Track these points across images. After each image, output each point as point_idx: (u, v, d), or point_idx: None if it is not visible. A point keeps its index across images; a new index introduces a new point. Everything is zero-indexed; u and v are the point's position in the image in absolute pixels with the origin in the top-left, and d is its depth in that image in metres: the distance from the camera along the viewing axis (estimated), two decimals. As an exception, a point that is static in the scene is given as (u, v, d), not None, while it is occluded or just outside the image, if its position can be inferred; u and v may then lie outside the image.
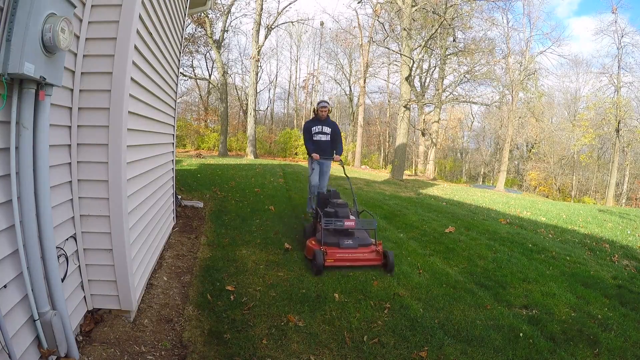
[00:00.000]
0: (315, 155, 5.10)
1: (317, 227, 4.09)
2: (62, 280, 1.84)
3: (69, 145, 2.02)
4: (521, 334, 2.56)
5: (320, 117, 5.37)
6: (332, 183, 9.25)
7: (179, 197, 5.71)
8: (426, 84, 27.01)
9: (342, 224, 3.73)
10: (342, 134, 5.64)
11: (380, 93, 33.67)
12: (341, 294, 3.03)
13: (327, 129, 5.42)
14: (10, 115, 1.45)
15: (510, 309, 3.01)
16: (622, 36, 22.26)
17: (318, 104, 5.51)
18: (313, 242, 3.77)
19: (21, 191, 1.53)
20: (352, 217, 4.02)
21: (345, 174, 5.41)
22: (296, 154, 26.13)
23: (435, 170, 26.10)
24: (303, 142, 5.86)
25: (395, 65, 26.23)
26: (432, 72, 26.51)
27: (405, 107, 15.05)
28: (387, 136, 33.21)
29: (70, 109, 2.00)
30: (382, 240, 4.24)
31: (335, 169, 12.49)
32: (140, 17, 2.25)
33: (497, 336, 2.53)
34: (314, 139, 5.38)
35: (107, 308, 2.34)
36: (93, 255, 2.20)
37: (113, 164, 2.11)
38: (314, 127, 5.40)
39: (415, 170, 28.13)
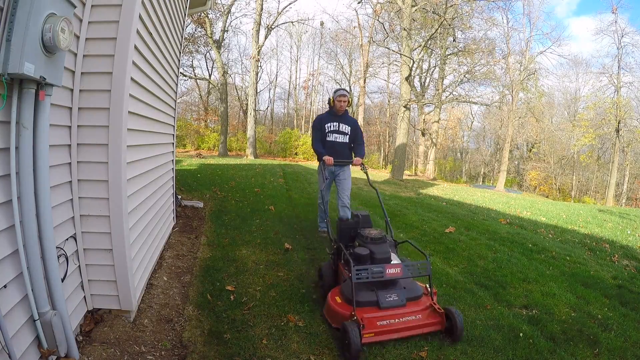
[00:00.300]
0: (328, 159, 3.77)
1: (339, 269, 2.84)
2: (62, 280, 1.84)
3: (69, 145, 2.02)
4: (521, 334, 2.56)
5: (337, 110, 4.06)
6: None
7: (179, 197, 5.71)
8: (426, 84, 27.03)
9: (382, 272, 2.45)
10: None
11: (380, 93, 33.77)
12: (341, 294, 3.02)
13: (345, 127, 4.10)
14: (10, 115, 1.45)
15: (510, 309, 3.01)
16: (622, 36, 22.34)
17: (335, 92, 4.08)
18: (337, 300, 2.53)
19: (21, 191, 1.54)
20: (394, 257, 2.72)
21: (369, 183, 3.83)
22: (296, 154, 26.11)
23: (435, 170, 26.11)
24: (311, 142, 4.31)
25: (395, 65, 26.25)
26: (432, 72, 26.53)
27: (405, 107, 15.05)
28: (387, 136, 33.23)
29: (70, 109, 2.00)
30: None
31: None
32: (140, 17, 2.25)
33: (497, 336, 2.53)
34: (328, 139, 4.08)
35: (107, 308, 2.34)
36: (93, 255, 2.20)
37: (113, 164, 2.11)
38: (328, 124, 4.07)
39: (415, 170, 28.13)
